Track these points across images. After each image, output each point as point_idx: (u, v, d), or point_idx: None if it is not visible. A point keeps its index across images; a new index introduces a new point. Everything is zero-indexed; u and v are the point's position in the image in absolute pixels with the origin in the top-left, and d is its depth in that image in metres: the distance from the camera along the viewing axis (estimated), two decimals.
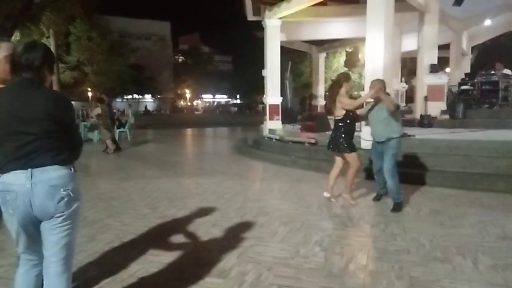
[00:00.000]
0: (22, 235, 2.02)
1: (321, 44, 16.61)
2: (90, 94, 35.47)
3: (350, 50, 28.47)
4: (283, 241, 3.79)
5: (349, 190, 5.14)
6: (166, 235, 3.95)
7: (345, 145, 4.98)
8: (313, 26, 13.41)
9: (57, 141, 2.00)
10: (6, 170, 1.93)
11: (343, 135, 4.98)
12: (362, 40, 11.15)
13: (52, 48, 26.01)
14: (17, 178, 1.91)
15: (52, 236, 2.01)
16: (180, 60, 66.91)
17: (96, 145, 12.44)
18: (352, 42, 17.52)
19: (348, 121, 4.99)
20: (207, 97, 75.60)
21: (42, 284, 2.11)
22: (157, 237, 3.90)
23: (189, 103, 69.39)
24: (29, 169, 1.92)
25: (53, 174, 1.96)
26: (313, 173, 7.38)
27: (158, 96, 59.79)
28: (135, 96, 53.22)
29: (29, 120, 1.91)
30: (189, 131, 21.13)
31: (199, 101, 73.85)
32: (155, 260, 3.31)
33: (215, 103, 76.47)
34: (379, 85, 4.84)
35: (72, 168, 2.08)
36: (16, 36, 19.74)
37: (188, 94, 65.79)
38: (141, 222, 4.42)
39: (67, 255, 2.06)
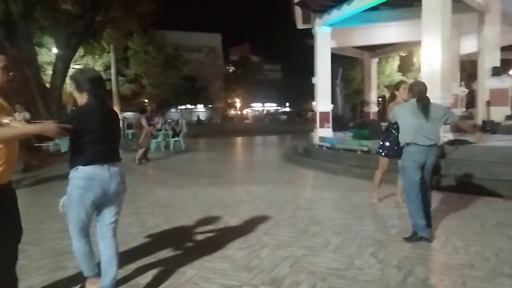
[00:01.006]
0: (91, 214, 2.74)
1: (373, 49, 16.19)
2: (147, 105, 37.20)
3: (404, 55, 27.51)
4: (336, 251, 3.71)
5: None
6: (219, 242, 4.02)
7: None
8: (365, 31, 13.13)
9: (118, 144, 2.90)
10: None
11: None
12: (417, 43, 10.77)
13: (112, 63, 27.79)
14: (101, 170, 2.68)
15: (114, 210, 2.82)
16: (230, 70, 68.42)
17: (153, 154, 12.92)
18: (406, 46, 16.92)
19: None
20: (257, 106, 76.45)
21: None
22: (210, 244, 3.97)
23: (239, 112, 70.59)
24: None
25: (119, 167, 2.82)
26: (366, 182, 7.16)
27: (210, 106, 61.46)
28: (188, 106, 55.06)
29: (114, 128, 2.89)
30: (239, 139, 21.44)
31: (248, 110, 74.89)
32: (210, 267, 3.38)
33: (265, 112, 77.10)
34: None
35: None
36: (80, 52, 21.29)
37: (238, 103, 67.00)
38: (195, 228, 4.54)
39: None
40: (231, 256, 3.62)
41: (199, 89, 50.33)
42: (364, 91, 18.16)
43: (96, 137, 2.61)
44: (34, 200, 6.32)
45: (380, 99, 31.14)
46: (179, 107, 52.28)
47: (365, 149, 8.35)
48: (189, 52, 51.27)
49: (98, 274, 2.83)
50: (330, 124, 11.26)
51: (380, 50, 16.62)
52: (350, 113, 17.23)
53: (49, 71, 20.33)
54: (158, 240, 4.11)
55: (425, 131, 3.90)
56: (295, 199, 5.97)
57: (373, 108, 16.73)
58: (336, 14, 10.25)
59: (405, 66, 30.04)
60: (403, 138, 4.07)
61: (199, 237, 4.23)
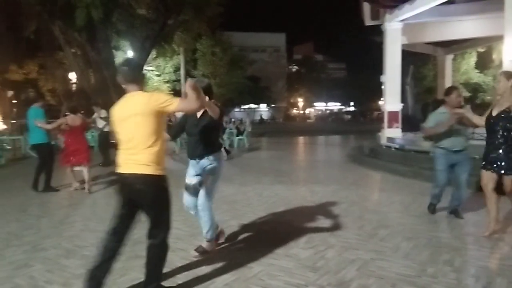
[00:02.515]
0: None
1: (447, 45, 15.18)
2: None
3: (482, 50, 25.45)
4: (407, 257, 3.55)
5: None
6: (283, 240, 4.04)
7: None
8: (439, 26, 12.35)
9: None
10: None
11: None
12: (498, 38, 9.91)
13: (181, 64, 29.01)
14: None
15: None
16: (293, 69, 68.19)
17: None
18: (485, 42, 15.64)
19: None
20: (320, 105, 75.39)
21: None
22: (275, 241, 4.00)
23: (301, 111, 70.13)
24: None
25: None
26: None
27: (272, 105, 61.73)
28: (251, 105, 55.84)
29: None
30: (301, 139, 21.30)
31: (311, 109, 74.09)
32: (275, 264, 3.42)
33: (328, 111, 75.78)
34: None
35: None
36: (152, 54, 22.53)
37: (300, 103, 66.57)
38: (260, 225, 4.61)
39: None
40: (296, 255, 3.62)
41: (262, 88, 50.80)
42: (437, 90, 17.12)
43: None
44: (112, 192, 6.81)
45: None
46: (242, 107, 53.21)
47: None
48: (253, 53, 51.99)
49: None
50: (399, 124, 10.78)
51: (455, 46, 15.54)
52: (421, 113, 16.29)
53: None
54: (225, 235, 4.23)
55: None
56: (362, 201, 5.81)
57: None
58: (408, 9, 9.79)
59: (484, 63, 27.76)
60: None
61: (264, 234, 4.28)
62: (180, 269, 3.35)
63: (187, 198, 3.69)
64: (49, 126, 6.75)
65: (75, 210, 5.65)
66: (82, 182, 6.94)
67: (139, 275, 3.23)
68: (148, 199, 2.66)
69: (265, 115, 61.40)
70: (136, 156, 2.58)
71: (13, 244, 4.09)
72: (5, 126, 22.20)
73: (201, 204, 3.59)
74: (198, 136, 3.50)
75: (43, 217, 5.19)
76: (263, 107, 61.70)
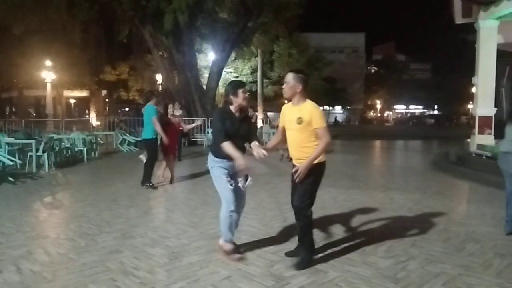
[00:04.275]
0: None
1: None
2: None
3: None
4: (500, 275, 3.23)
5: None
6: (361, 247, 3.91)
7: None
8: None
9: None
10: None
11: None
12: None
13: (259, 66, 29.52)
14: None
15: None
16: (372, 70, 65.74)
17: None
18: None
19: None
20: (400, 108, 71.69)
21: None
22: (352, 248, 3.89)
23: (379, 114, 67.32)
24: None
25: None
26: None
27: (348, 107, 60.09)
28: (326, 107, 54.95)
29: None
30: (378, 143, 20.43)
31: (390, 112, 70.78)
32: (352, 271, 3.32)
33: (408, 114, 71.77)
34: None
35: (212, 154, 3.52)
36: (232, 56, 23.25)
37: (378, 105, 63.93)
38: (335, 230, 4.51)
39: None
40: (374, 264, 3.49)
41: (338, 90, 49.66)
42: None
43: None
44: (191, 188, 7.17)
45: None
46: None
47: None
48: (330, 53, 51.07)
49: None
50: (492, 130, 9.83)
51: None
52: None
53: (206, 74, 22.76)
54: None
55: None
56: (448, 212, 5.40)
57: None
58: (506, 6, 8.90)
59: None
60: None
61: (340, 239, 4.18)
62: (256, 268, 3.41)
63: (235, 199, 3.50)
64: (158, 126, 6.99)
65: (159, 203, 6.05)
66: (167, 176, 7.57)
67: (218, 269, 3.36)
68: None
69: (340, 117, 59.94)
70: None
71: (105, 231, 4.49)
72: (98, 123, 24.48)
73: (244, 205, 3.70)
74: (243, 138, 3.54)
75: (131, 207, 5.63)
76: (338, 109, 60.32)
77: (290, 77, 3.41)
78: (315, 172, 3.33)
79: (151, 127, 7.01)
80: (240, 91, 3.46)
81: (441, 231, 4.47)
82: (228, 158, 3.36)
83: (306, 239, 3.48)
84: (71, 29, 20.77)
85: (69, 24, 19.87)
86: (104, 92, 36.04)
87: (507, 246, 3.96)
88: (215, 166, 3.50)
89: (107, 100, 38.56)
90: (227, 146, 3.30)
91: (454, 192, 7.17)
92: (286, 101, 3.56)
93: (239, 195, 3.50)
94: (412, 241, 4.11)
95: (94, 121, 25.95)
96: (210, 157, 3.54)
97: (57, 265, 3.47)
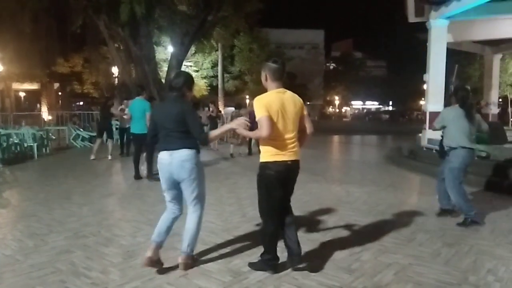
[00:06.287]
0: (168, 191, 3.20)
1: (496, 44, 14.38)
2: (247, 101, 38.74)
3: None
4: (447, 264, 3.40)
5: None
6: (317, 240, 3.98)
7: None
8: (489, 24, 11.71)
9: (181, 133, 3.08)
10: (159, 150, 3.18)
11: None
12: None
13: (219, 60, 29.25)
14: (164, 156, 3.12)
15: (186, 191, 3.16)
16: (331, 67, 67.17)
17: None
18: None
19: None
20: (357, 104, 73.83)
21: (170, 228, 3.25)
22: (308, 241, 3.94)
23: (337, 110, 68.99)
24: (169, 151, 3.10)
25: (182, 153, 3.07)
26: (483, 191, 6.45)
27: (308, 103, 60.98)
28: None
29: (168, 120, 3.10)
30: (336, 138, 20.96)
31: (347, 108, 72.75)
32: (312, 264, 3.36)
33: (365, 110, 74.12)
34: None
35: (195, 150, 3.13)
36: (191, 50, 22.88)
37: (337, 101, 65.49)
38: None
39: (196, 201, 3.21)
40: (330, 256, 3.56)
41: (298, 85, 50.30)
42: (482, 91, 16.31)
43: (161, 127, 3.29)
44: (148, 184, 6.98)
45: (500, 100, 27.69)
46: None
47: (483, 154, 7.49)
48: (291, 49, 51.63)
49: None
50: None
51: (504, 45, 14.69)
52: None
53: (165, 68, 22.25)
54: (258, 231, 4.22)
55: (471, 134, 4.43)
56: (400, 204, 5.62)
57: (493, 110, 14.93)
58: (455, 6, 9.32)
59: None
60: (455, 142, 4.46)
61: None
62: (214, 264, 3.38)
63: None
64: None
65: (114, 200, 5.85)
66: None
67: (174, 266, 3.29)
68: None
69: None
70: (296, 146, 3.15)
71: (55, 230, 4.28)
72: (50, 117, 23.33)
73: None
74: None
75: (84, 205, 5.40)
76: None
77: (262, 66, 3.16)
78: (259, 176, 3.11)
79: (144, 121, 6.88)
80: (193, 88, 3.39)
81: (394, 223, 4.64)
82: None
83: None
84: (20, 19, 19.58)
85: (18, 13, 18.73)
86: (56, 85, 34.34)
87: (454, 235, 4.18)
88: (203, 165, 3.27)
89: (60, 93, 36.80)
90: (214, 133, 3.22)
91: (406, 185, 7.48)
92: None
93: None
94: (366, 233, 4.24)
95: (46, 115, 24.69)
96: (196, 156, 3.14)
97: (3, 268, 3.27)
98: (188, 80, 3.26)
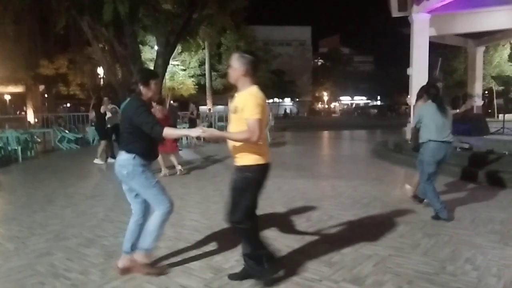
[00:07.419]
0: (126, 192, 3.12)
1: (479, 36, 14.59)
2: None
3: None
4: (426, 254, 3.45)
5: None
6: (302, 234, 4.00)
7: None
8: (470, 17, 11.85)
9: (128, 135, 2.96)
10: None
11: None
12: None
13: (206, 59, 29.11)
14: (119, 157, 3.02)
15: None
16: (319, 63, 67.42)
17: None
18: None
19: None
20: (345, 99, 74.24)
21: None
22: (291, 236, 3.97)
23: (326, 106, 69.31)
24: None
25: (119, 157, 2.99)
26: (465, 182, 6.56)
27: (297, 100, 61.30)
28: (275, 100, 55.63)
29: (121, 121, 3.06)
30: (326, 133, 21.05)
31: (336, 103, 73.10)
32: (289, 257, 3.39)
33: (353, 105, 74.58)
34: None
35: (138, 156, 2.93)
36: (178, 49, 22.75)
37: (325, 97, 65.79)
38: (277, 220, 4.58)
39: (154, 205, 3.05)
40: (311, 250, 3.59)
41: (287, 82, 50.47)
42: (467, 83, 16.54)
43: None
44: None
45: (486, 92, 28.13)
46: (266, 101, 53.10)
47: (466, 146, 7.62)
48: (278, 46, 51.74)
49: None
50: None
51: (487, 37, 14.93)
52: (450, 107, 15.75)
53: (151, 68, 22.08)
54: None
55: (444, 127, 4.50)
56: (383, 197, 5.69)
57: (478, 102, 15.15)
58: (436, 0, 9.45)
59: None
60: (425, 136, 4.58)
61: (280, 229, 4.25)
62: (195, 261, 3.38)
63: None
64: None
65: (98, 201, 5.80)
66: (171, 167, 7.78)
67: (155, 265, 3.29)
68: None
69: (289, 110, 61.01)
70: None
71: (37, 233, 4.24)
72: (36, 120, 23.03)
73: None
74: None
75: (67, 207, 5.35)
76: (287, 101, 61.35)
77: (234, 59, 2.82)
78: (245, 176, 2.84)
79: None
80: (152, 82, 3.04)
81: (376, 215, 4.69)
82: (152, 158, 3.11)
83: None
84: (2, 20, 19.24)
85: (0, 14, 18.40)
86: (42, 87, 33.86)
87: (435, 226, 4.24)
88: (146, 170, 2.98)
89: (46, 95, 36.33)
90: (170, 131, 2.95)
91: (391, 178, 7.54)
92: (235, 94, 3.17)
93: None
94: (349, 226, 4.28)
95: (31, 118, 24.34)
96: (133, 160, 2.92)
97: None
98: (141, 75, 3.07)
